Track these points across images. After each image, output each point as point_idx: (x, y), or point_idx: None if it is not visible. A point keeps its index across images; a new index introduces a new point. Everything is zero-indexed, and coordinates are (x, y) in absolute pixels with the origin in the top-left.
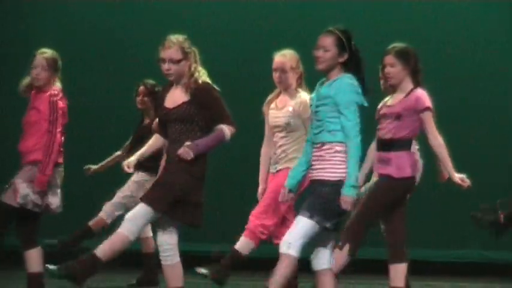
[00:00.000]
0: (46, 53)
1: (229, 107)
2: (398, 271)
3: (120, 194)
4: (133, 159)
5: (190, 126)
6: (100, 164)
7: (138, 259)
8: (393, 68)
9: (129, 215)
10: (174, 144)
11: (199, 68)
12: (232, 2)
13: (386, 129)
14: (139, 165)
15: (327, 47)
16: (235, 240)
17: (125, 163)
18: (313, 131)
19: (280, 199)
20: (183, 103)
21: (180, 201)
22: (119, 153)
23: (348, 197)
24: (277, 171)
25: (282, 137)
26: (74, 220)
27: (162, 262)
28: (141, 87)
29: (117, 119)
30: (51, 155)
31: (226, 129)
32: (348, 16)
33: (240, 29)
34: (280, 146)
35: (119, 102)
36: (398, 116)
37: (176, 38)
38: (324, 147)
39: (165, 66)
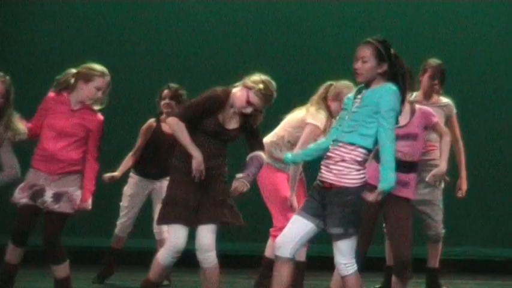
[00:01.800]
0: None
1: None
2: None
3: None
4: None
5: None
6: (120, 170)
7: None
8: None
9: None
10: (216, 158)
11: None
12: (237, 2)
13: None
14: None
15: (365, 57)
16: (238, 238)
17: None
18: (342, 129)
19: None
20: (237, 129)
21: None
22: (130, 155)
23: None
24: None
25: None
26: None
27: (206, 265)
28: (166, 91)
29: (118, 120)
30: (95, 181)
31: (264, 156)
32: (354, 17)
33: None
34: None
35: (119, 103)
36: None
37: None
38: (349, 147)
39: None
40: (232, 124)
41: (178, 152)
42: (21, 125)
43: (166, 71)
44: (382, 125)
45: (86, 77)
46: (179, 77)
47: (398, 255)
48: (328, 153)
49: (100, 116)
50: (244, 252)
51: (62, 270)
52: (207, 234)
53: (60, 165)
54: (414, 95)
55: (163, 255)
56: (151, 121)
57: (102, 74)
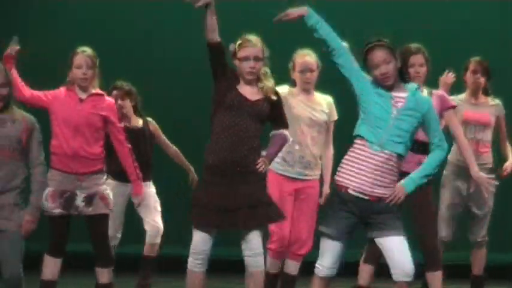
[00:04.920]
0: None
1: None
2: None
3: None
4: None
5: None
6: None
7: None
8: None
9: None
10: (251, 144)
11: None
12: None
13: None
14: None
15: (387, 59)
16: (233, 243)
17: None
18: (388, 137)
19: None
20: (262, 100)
21: None
22: None
23: None
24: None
25: (313, 137)
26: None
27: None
28: (114, 92)
29: None
30: (135, 164)
31: (287, 133)
32: (352, 16)
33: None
34: (307, 146)
35: None
36: None
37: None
38: (396, 160)
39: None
40: (255, 96)
41: (211, 149)
42: None
43: (166, 71)
44: (441, 134)
45: (69, 63)
46: (179, 77)
47: (426, 245)
48: (379, 165)
49: (109, 99)
50: (238, 257)
51: (107, 274)
52: (255, 238)
53: (84, 163)
54: (460, 96)
55: (191, 261)
56: None
57: (76, 53)
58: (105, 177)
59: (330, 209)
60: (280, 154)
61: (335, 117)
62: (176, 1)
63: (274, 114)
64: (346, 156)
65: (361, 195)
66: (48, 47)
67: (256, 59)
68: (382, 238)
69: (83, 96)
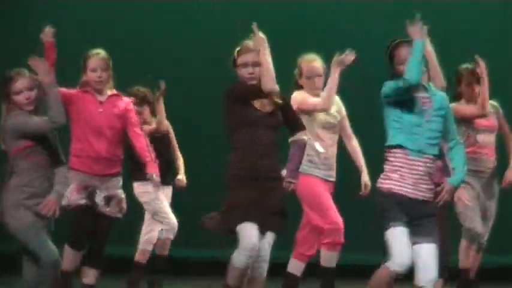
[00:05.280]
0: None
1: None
2: None
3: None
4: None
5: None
6: None
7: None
8: None
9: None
10: (270, 153)
11: None
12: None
13: None
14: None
15: None
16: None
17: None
18: (426, 141)
19: None
20: (275, 110)
21: None
22: None
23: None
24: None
25: (331, 137)
26: None
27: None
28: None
29: None
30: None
31: (304, 136)
32: (352, 16)
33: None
34: (327, 147)
35: None
36: None
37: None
38: (434, 163)
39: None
40: (268, 106)
41: (236, 157)
42: None
43: (166, 72)
44: (455, 129)
45: (83, 66)
46: (179, 78)
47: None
48: (424, 169)
49: (126, 98)
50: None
51: (95, 276)
52: (265, 245)
53: (106, 165)
54: (456, 104)
55: (237, 258)
56: None
57: (89, 55)
58: (121, 181)
59: (385, 208)
60: (306, 157)
61: (344, 111)
62: (176, 1)
63: (287, 118)
64: (388, 166)
65: (414, 196)
66: None
67: (255, 64)
68: (416, 244)
69: (102, 98)
